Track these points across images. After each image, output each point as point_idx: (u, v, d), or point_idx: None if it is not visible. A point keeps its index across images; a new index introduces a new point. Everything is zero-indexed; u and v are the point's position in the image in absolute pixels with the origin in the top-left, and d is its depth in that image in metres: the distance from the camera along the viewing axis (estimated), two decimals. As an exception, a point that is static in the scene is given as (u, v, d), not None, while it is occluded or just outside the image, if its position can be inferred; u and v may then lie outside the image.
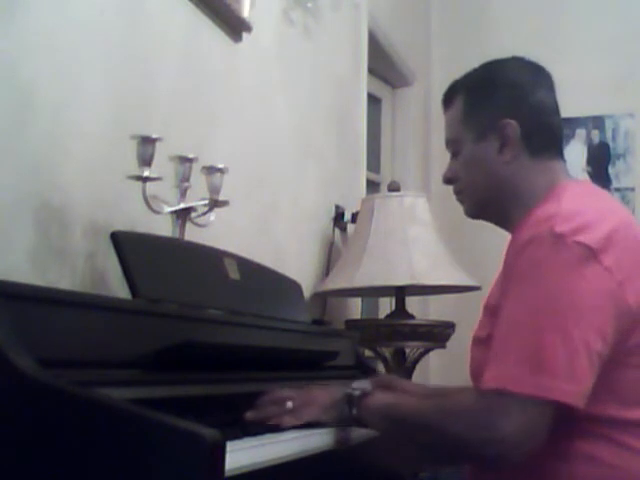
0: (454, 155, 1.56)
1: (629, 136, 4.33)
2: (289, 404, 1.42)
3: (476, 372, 1.45)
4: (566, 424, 1.27)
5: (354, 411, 1.41)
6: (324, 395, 1.46)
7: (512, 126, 1.47)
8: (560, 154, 1.52)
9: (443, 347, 2.95)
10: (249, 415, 1.38)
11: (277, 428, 1.34)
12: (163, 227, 1.73)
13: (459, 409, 1.32)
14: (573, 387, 1.24)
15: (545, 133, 1.50)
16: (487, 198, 1.52)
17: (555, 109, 1.52)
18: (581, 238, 1.28)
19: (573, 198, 1.40)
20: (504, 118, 1.47)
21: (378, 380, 1.69)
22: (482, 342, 1.42)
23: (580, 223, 1.31)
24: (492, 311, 1.39)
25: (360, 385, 1.48)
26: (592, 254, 1.28)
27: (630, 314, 1.30)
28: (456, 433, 1.28)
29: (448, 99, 1.57)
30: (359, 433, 1.47)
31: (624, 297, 1.29)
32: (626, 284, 1.30)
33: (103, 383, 1.13)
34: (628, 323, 1.30)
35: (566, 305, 1.26)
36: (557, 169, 1.49)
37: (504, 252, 1.42)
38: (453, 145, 1.56)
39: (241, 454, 1.09)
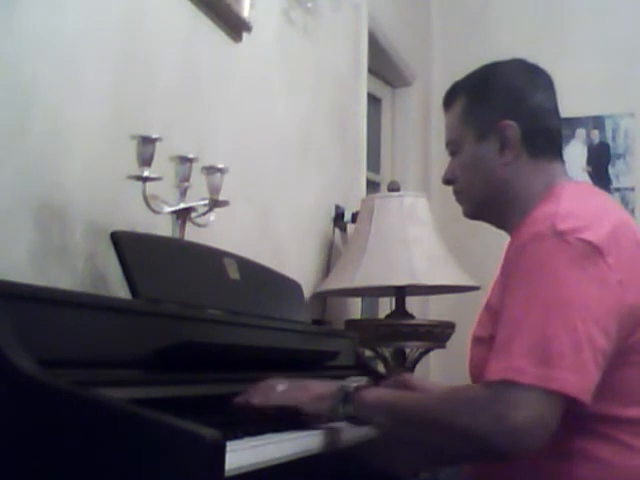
0: (454, 156, 1.56)
1: (629, 136, 4.33)
2: (280, 387, 1.41)
3: (476, 371, 1.45)
4: (565, 422, 1.26)
5: (349, 404, 1.39)
6: (318, 385, 1.44)
7: (512, 128, 1.47)
8: (559, 156, 1.52)
9: (443, 347, 2.94)
10: (237, 399, 1.37)
11: (277, 428, 1.34)
12: (163, 227, 1.73)
13: (466, 401, 1.29)
14: (578, 380, 1.23)
15: (544, 135, 1.50)
16: (485, 199, 1.52)
17: (554, 111, 1.52)
18: (584, 235, 1.29)
19: (572, 198, 1.40)
20: (504, 119, 1.47)
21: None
22: (482, 342, 1.42)
23: (581, 221, 1.31)
24: (493, 310, 1.39)
25: (356, 381, 1.47)
26: (596, 251, 1.28)
27: (631, 313, 1.30)
28: (464, 425, 1.26)
29: (448, 101, 1.57)
30: (359, 434, 1.47)
31: (625, 296, 1.30)
32: (627, 283, 1.30)
33: (103, 383, 1.13)
34: (629, 322, 1.30)
35: (571, 300, 1.26)
36: (556, 170, 1.50)
37: (504, 252, 1.41)
38: (453, 146, 1.56)
39: (241, 454, 1.08)
